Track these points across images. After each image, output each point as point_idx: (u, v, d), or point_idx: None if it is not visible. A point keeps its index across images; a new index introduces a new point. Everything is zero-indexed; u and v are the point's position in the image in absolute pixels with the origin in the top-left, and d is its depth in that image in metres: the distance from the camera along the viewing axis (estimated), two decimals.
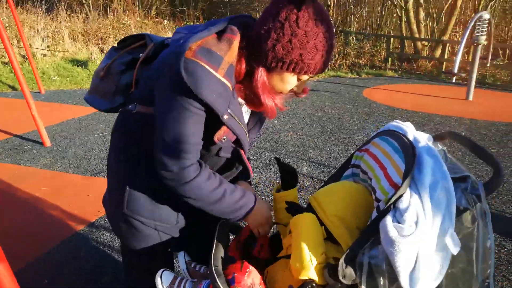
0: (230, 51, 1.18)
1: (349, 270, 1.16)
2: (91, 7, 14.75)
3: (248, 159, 1.47)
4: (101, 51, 10.68)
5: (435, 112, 6.77)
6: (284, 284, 1.30)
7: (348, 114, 6.47)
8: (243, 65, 1.22)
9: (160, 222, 1.40)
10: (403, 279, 1.10)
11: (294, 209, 1.43)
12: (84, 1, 15.05)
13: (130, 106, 1.36)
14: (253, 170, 3.98)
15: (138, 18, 13.09)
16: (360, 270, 1.15)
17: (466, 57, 12.23)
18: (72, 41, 10.91)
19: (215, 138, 1.26)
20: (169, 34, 12.78)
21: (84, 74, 9.24)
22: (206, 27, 1.20)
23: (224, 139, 1.27)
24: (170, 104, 1.17)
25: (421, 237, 1.08)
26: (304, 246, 1.20)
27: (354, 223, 1.29)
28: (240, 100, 1.32)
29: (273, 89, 1.26)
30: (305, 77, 1.23)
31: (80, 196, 3.43)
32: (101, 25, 12.05)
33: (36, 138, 4.92)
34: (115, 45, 1.54)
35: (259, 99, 1.24)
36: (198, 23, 16.11)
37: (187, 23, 15.60)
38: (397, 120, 1.49)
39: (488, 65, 8.68)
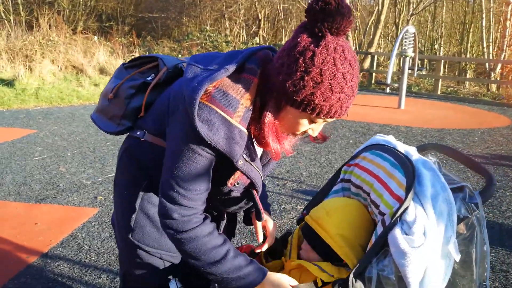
0: (248, 94, 1.10)
1: (359, 284, 1.18)
2: (12, 23, 13.90)
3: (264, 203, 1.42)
4: (29, 69, 10.07)
5: (373, 121, 7.10)
6: None
7: None
8: (258, 102, 1.13)
9: (166, 251, 1.35)
10: None
11: None
12: (5, 17, 14.17)
13: (138, 133, 1.31)
14: None
15: (67, 34, 12.51)
16: (370, 283, 1.17)
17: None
18: None
19: (229, 184, 1.20)
20: (100, 49, 12.34)
21: (11, 93, 8.65)
22: (224, 63, 1.12)
23: (237, 184, 1.21)
24: (180, 148, 1.11)
25: (431, 247, 1.12)
26: None
27: (356, 241, 1.31)
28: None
29: (282, 129, 1.16)
30: (319, 120, 1.11)
31: (27, 225, 3.17)
32: (27, 42, 11.37)
33: None
34: (125, 62, 1.46)
35: (264, 139, 1.14)
36: (130, 38, 15.72)
37: (119, 39, 15.17)
38: (381, 134, 1.54)
39: (415, 75, 9.27)
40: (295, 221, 3.29)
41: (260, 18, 17.40)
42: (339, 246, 1.29)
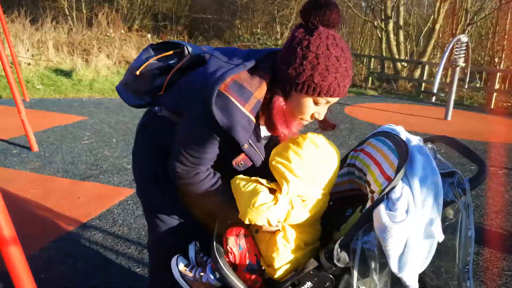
0: (260, 88, 1.26)
1: (344, 254, 1.28)
2: (74, 19, 14.77)
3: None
4: (86, 61, 10.68)
5: (416, 130, 6.99)
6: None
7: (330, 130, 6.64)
8: (268, 94, 1.29)
9: (183, 214, 1.54)
10: (393, 262, 1.21)
11: None
12: (68, 13, 15.07)
13: (156, 108, 1.48)
14: None
15: (122, 31, 13.14)
16: (354, 254, 1.27)
17: (444, 79, 12.67)
18: (56, 51, 10.89)
19: (233, 162, 1.37)
20: None
21: (68, 83, 9.23)
22: (244, 59, 1.29)
23: (241, 164, 1.38)
24: (195, 126, 1.30)
25: (411, 224, 1.20)
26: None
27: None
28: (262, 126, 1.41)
29: (291, 115, 1.31)
30: (322, 101, 1.25)
31: (70, 198, 3.46)
32: (86, 36, 12.07)
33: (23, 143, 4.92)
34: (154, 43, 1.63)
35: (273, 124, 1.30)
36: (181, 38, 16.23)
37: (171, 38, 15.71)
38: (391, 124, 1.62)
39: (466, 87, 9.02)
40: None
41: None
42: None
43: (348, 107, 8.95)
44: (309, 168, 1.33)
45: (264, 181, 1.36)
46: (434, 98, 8.34)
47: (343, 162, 1.69)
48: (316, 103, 1.27)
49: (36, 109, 6.94)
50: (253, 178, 1.38)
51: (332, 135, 6.25)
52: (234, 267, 1.36)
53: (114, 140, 5.33)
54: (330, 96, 1.23)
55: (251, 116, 1.26)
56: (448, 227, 1.28)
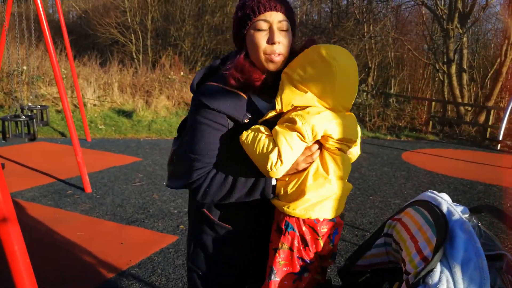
0: (231, 66, 1.30)
1: None
2: (140, 61, 15.65)
3: None
4: (146, 103, 11.17)
5: (478, 179, 6.54)
6: None
7: (385, 177, 6.36)
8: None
9: (220, 278, 1.46)
10: None
11: None
12: (135, 57, 16.01)
13: None
14: None
15: (182, 73, 13.68)
16: None
17: None
18: (120, 92, 11.52)
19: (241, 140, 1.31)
20: None
21: (128, 124, 9.65)
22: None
23: None
24: (191, 125, 1.32)
25: None
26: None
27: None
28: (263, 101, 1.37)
29: (255, 56, 1.29)
30: (260, 24, 1.25)
31: (113, 243, 3.49)
32: (148, 78, 12.69)
33: (78, 183, 5.11)
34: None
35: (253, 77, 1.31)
36: None
37: None
38: (432, 191, 1.47)
39: None
40: None
41: (370, 65, 17.26)
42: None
43: (405, 153, 8.59)
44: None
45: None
46: (499, 145, 7.77)
47: (380, 230, 1.55)
48: (258, 29, 1.26)
49: (95, 149, 7.27)
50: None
51: (387, 183, 5.98)
52: None
53: (164, 182, 5.40)
54: (259, 13, 1.24)
55: (235, 90, 1.29)
56: None
